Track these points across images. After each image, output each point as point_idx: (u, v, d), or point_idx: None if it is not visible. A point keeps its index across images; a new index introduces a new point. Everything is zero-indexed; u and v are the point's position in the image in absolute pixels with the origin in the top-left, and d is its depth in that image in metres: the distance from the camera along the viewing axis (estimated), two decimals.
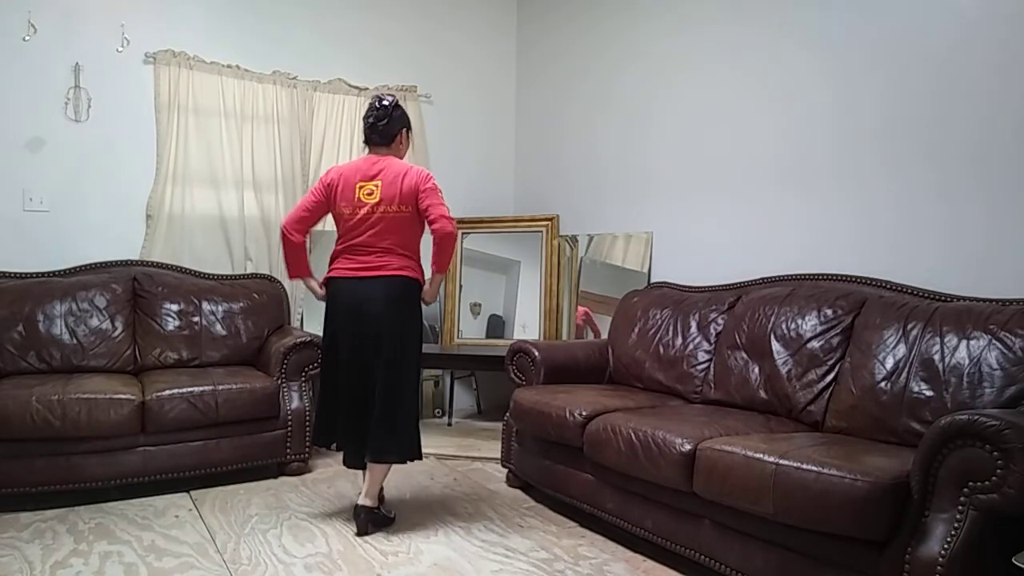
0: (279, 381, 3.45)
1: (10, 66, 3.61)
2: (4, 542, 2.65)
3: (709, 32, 3.65)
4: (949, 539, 1.80)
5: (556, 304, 4.39)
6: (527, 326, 4.44)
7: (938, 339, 2.38)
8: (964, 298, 2.53)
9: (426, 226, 2.81)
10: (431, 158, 4.57)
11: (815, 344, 2.74)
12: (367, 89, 4.42)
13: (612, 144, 4.24)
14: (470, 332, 4.56)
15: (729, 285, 3.39)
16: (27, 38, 3.64)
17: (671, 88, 3.86)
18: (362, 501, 2.78)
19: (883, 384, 2.44)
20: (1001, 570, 1.75)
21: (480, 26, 4.92)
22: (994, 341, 2.25)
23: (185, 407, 3.15)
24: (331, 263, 2.87)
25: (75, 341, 3.46)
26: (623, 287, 3.92)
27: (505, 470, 3.47)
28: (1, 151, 3.62)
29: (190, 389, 3.19)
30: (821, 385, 2.67)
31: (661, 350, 3.34)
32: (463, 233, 4.57)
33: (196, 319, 3.73)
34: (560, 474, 2.99)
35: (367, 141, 2.89)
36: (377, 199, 2.75)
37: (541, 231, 4.48)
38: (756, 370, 2.91)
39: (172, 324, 3.68)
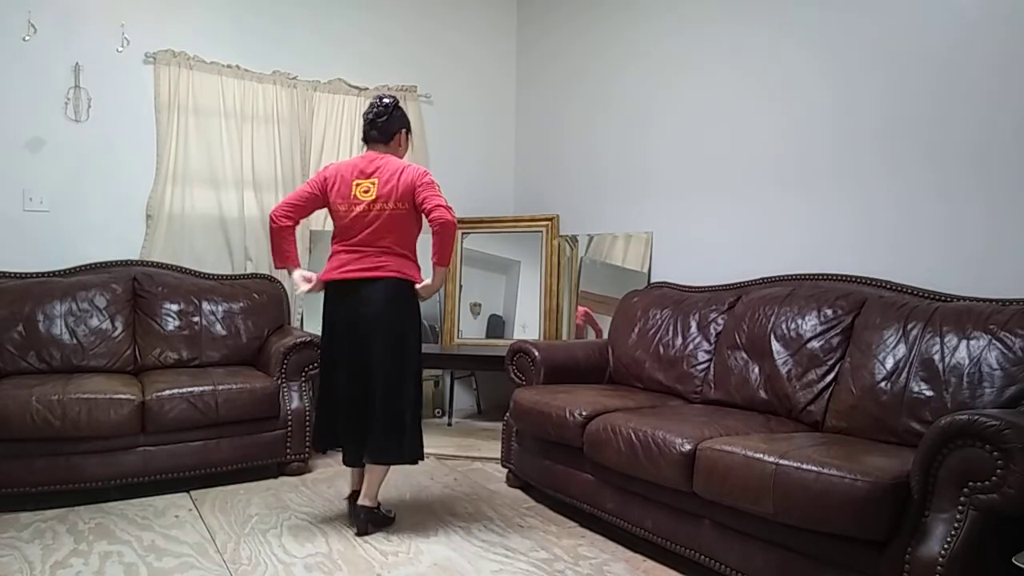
0: (279, 381, 3.45)
1: (10, 66, 3.62)
2: (4, 542, 2.65)
3: (709, 32, 3.65)
4: (949, 539, 1.80)
5: (556, 304, 4.39)
6: (527, 326, 4.44)
7: (938, 339, 2.38)
8: (964, 298, 2.53)
9: (424, 226, 2.80)
10: (431, 158, 4.57)
11: (815, 344, 2.74)
12: (367, 89, 4.42)
13: (612, 144, 4.24)
14: (470, 332, 4.56)
15: (729, 285, 3.39)
16: (27, 38, 3.64)
17: (671, 88, 3.86)
18: (362, 501, 2.78)
19: (883, 384, 2.44)
20: (1001, 570, 1.75)
21: (480, 26, 4.92)
22: (994, 341, 2.25)
23: (185, 407, 3.15)
24: (328, 262, 2.85)
25: (75, 341, 3.46)
26: (623, 287, 3.91)
27: (505, 470, 3.47)
28: (1, 151, 3.62)
29: (190, 389, 3.19)
30: (821, 385, 2.67)
31: (661, 350, 3.34)
32: (463, 233, 4.57)
33: (196, 319, 3.73)
34: (560, 474, 2.99)
35: (365, 138, 2.88)
36: (373, 196, 2.73)
37: (541, 231, 4.48)
38: (756, 370, 2.91)
39: (172, 324, 3.68)
